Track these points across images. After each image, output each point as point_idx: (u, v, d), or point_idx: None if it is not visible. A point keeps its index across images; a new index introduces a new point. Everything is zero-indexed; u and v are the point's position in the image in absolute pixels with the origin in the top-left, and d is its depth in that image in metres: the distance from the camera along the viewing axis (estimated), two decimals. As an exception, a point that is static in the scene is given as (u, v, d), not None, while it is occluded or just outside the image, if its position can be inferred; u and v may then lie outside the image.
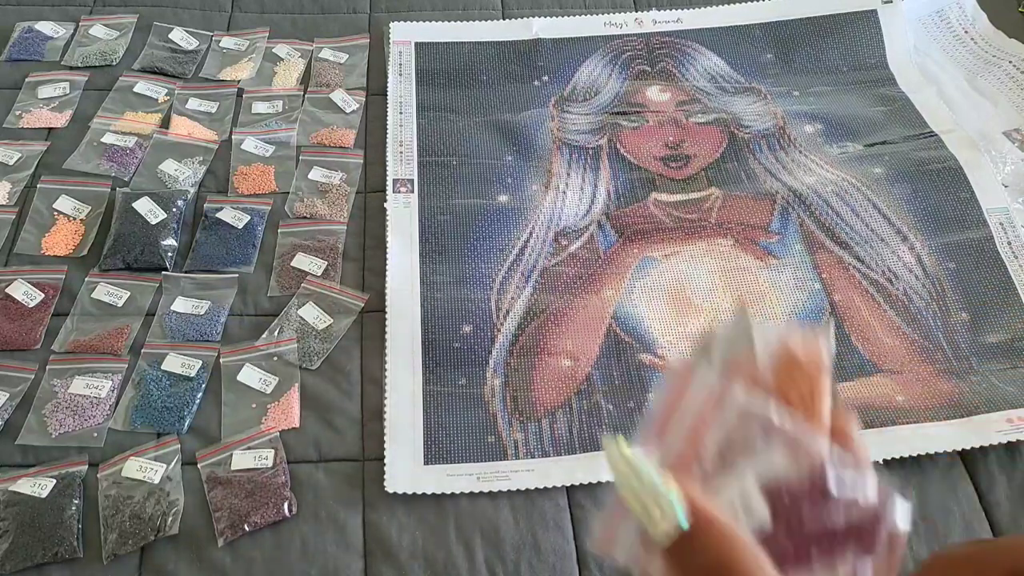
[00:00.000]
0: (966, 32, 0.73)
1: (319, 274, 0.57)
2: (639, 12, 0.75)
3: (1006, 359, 0.53)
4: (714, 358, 0.22)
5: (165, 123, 0.66)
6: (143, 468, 0.47)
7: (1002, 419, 0.49)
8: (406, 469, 0.48)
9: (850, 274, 0.57)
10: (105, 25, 0.72)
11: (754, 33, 0.73)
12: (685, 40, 0.73)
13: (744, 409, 0.21)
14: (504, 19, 0.74)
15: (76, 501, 0.46)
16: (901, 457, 0.47)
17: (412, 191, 0.62)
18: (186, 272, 0.57)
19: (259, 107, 0.67)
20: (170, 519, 0.45)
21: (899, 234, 0.59)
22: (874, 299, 0.56)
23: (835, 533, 0.20)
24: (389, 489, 0.47)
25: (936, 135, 0.65)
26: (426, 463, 0.48)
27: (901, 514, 0.20)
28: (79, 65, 0.69)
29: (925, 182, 0.62)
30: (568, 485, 0.47)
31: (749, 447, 0.20)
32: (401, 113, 0.67)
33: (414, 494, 0.47)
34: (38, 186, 0.61)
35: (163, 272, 0.57)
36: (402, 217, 0.60)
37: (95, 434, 0.49)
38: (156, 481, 0.47)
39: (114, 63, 0.70)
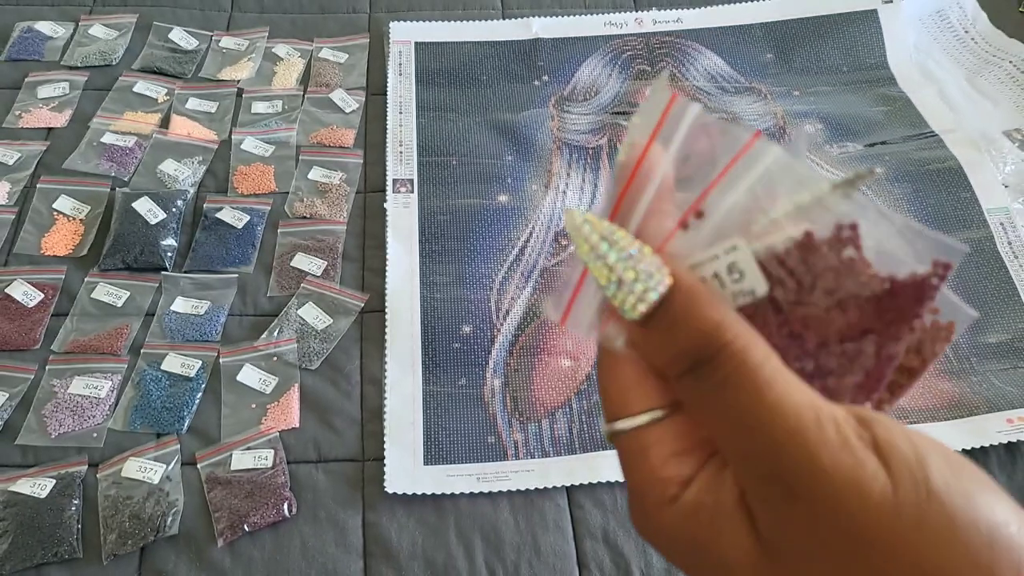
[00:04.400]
0: (966, 32, 0.73)
1: (319, 274, 0.57)
2: (639, 12, 0.75)
3: (1006, 359, 0.53)
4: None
5: (165, 123, 0.66)
6: (143, 468, 0.47)
7: (1002, 419, 0.49)
8: (406, 469, 0.48)
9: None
10: (105, 25, 0.72)
11: (754, 33, 0.73)
12: (685, 40, 0.73)
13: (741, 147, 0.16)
14: (504, 19, 0.74)
15: (76, 501, 0.46)
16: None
17: (412, 191, 0.62)
18: (185, 272, 0.57)
19: (259, 107, 0.67)
20: (169, 519, 0.45)
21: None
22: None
23: (857, 309, 0.16)
24: (389, 489, 0.47)
25: (936, 135, 0.65)
26: (426, 463, 0.48)
27: (958, 305, 0.16)
28: (79, 65, 0.69)
29: (926, 182, 0.62)
30: (568, 485, 0.47)
31: (742, 207, 0.16)
32: (401, 113, 0.67)
33: (414, 494, 0.47)
34: (37, 186, 0.61)
35: (163, 272, 0.56)
36: (402, 217, 0.60)
37: (95, 434, 0.49)
38: (156, 481, 0.47)
39: (114, 63, 0.70)
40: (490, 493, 0.47)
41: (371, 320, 0.55)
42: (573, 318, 0.17)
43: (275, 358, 0.52)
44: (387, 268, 0.57)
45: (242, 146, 0.64)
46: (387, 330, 0.54)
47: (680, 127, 0.17)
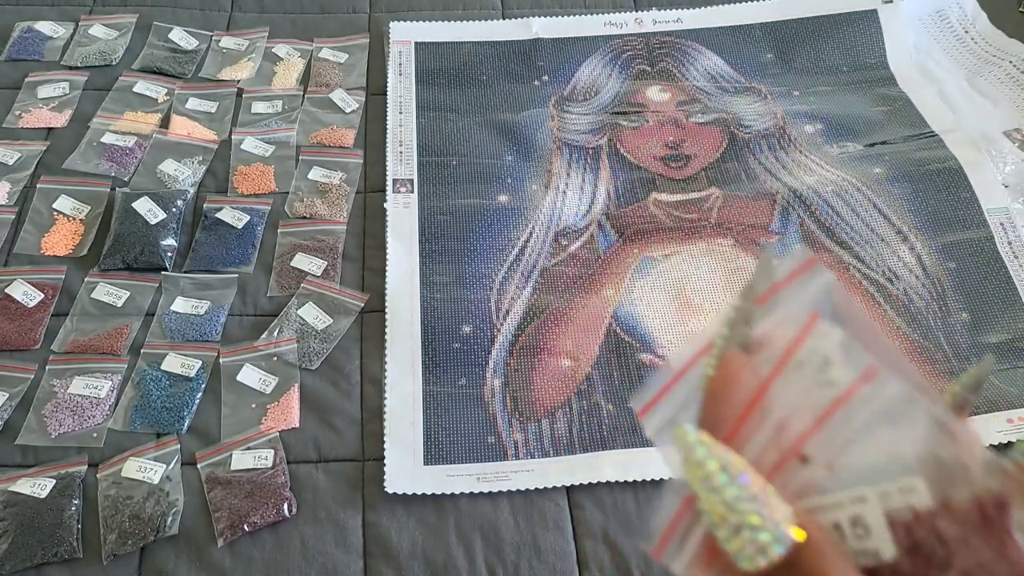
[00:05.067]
0: (966, 32, 0.73)
1: (319, 274, 0.57)
2: (639, 12, 0.75)
3: (1006, 359, 0.53)
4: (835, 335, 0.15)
5: (165, 123, 0.66)
6: (143, 468, 0.47)
7: (1002, 419, 0.49)
8: (406, 469, 0.48)
9: (850, 274, 0.57)
10: (104, 25, 0.72)
11: (754, 33, 0.73)
12: (685, 40, 0.73)
13: (890, 399, 0.15)
14: (504, 19, 0.74)
15: (76, 501, 0.46)
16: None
17: (412, 191, 0.62)
18: (185, 272, 0.57)
19: (259, 107, 0.67)
20: (170, 519, 0.45)
21: (899, 234, 0.59)
22: (874, 299, 0.56)
23: None
24: (389, 490, 0.47)
25: (936, 135, 0.65)
26: (426, 463, 0.48)
27: None
28: (79, 65, 0.69)
29: (925, 182, 0.62)
30: (568, 485, 0.47)
31: (876, 455, 0.15)
32: (401, 113, 0.67)
33: (414, 494, 0.47)
34: (37, 186, 0.61)
35: (163, 272, 0.56)
36: (402, 217, 0.60)
37: (94, 434, 0.49)
38: (156, 481, 0.47)
39: (114, 63, 0.70)
40: (490, 493, 0.47)
41: (371, 320, 0.55)
42: (670, 550, 0.15)
43: (275, 358, 0.53)
44: (387, 268, 0.57)
45: (242, 146, 0.64)
46: (387, 330, 0.54)
47: (819, 350, 0.15)
